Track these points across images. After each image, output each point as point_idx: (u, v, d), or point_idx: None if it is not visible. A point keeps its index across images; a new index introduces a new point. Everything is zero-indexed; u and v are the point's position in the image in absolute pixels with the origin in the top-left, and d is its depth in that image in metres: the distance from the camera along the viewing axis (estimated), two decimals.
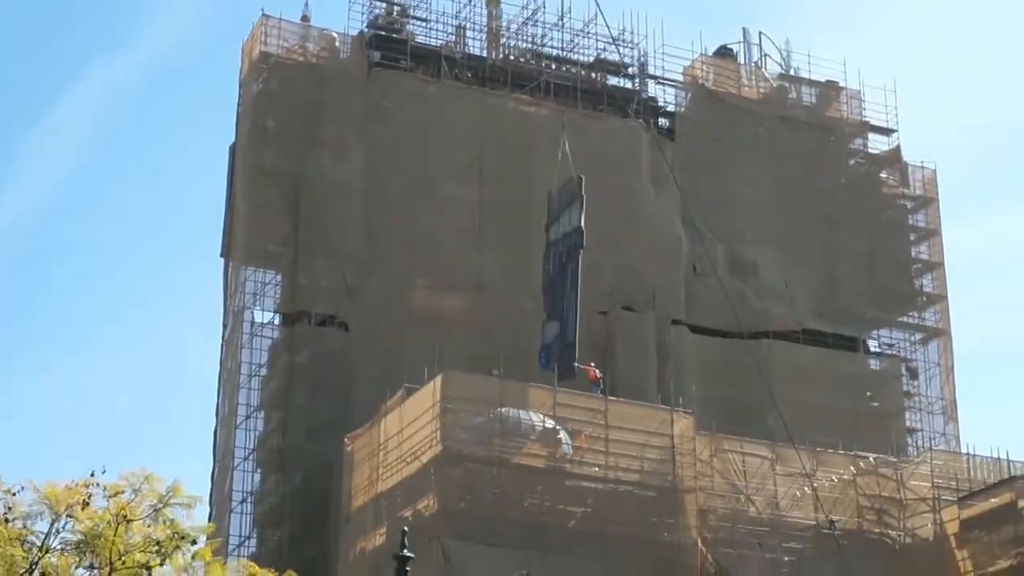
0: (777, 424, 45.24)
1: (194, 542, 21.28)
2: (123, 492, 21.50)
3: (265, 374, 54.61)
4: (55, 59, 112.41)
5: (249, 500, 53.53)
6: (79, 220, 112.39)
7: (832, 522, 42.30)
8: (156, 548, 21.05)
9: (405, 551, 23.29)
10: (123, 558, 20.67)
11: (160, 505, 21.82)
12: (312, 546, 50.25)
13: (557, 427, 44.02)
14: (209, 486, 55.54)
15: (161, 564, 21.55)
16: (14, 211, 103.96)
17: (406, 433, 44.20)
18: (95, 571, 21.82)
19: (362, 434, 47.34)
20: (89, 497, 22.10)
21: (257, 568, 24.12)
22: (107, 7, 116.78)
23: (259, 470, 53.97)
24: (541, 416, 44.08)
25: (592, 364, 49.03)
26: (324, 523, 50.25)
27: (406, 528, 25.07)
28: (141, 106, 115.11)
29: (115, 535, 20.76)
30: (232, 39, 59.05)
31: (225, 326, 56.95)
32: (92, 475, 21.82)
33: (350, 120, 56.82)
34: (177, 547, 21.28)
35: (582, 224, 49.59)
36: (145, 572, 21.25)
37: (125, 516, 20.92)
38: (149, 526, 21.38)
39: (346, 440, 47.85)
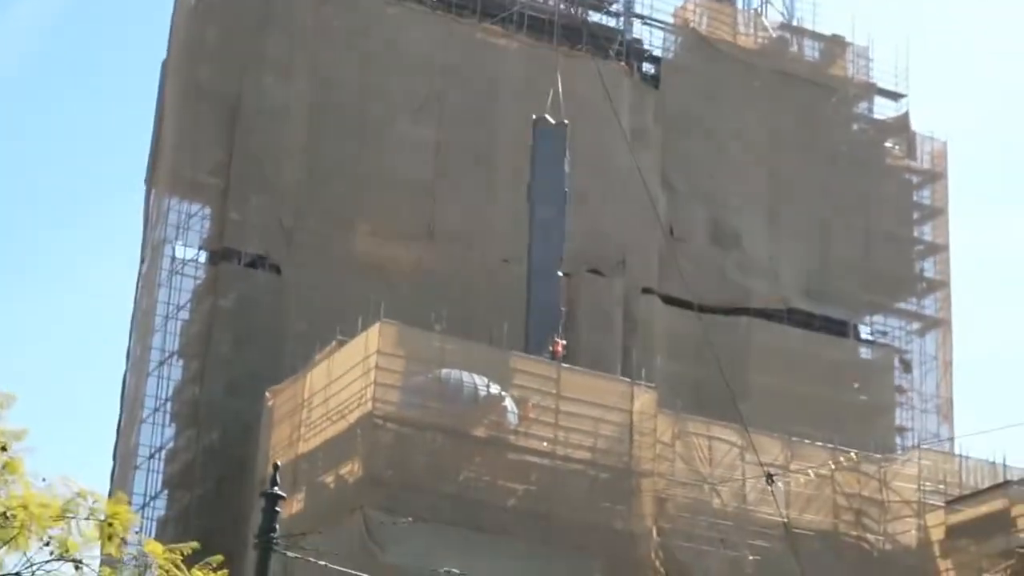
0: (750, 410, 44.41)
1: (3, 448, 18.44)
2: None
3: (185, 317, 53.60)
4: None
5: (158, 457, 52.47)
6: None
7: (770, 475, 40.54)
8: None
9: (276, 488, 22.60)
10: None
11: None
12: (226, 510, 49.00)
13: (502, 393, 43.15)
14: (114, 438, 55.03)
15: None
16: None
17: (333, 389, 43.28)
18: None
19: (285, 388, 46.32)
20: None
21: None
22: None
23: (171, 424, 52.94)
24: (485, 380, 43.17)
25: (564, 341, 47.51)
26: (240, 486, 48.95)
27: (278, 463, 23.58)
28: (77, 22, 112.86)
29: None
30: None
31: (143, 260, 56.27)
32: None
33: (298, 40, 55.49)
34: None
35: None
36: None
37: None
38: None
39: (267, 394, 46.79)
